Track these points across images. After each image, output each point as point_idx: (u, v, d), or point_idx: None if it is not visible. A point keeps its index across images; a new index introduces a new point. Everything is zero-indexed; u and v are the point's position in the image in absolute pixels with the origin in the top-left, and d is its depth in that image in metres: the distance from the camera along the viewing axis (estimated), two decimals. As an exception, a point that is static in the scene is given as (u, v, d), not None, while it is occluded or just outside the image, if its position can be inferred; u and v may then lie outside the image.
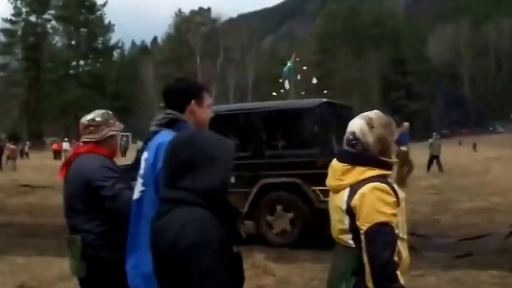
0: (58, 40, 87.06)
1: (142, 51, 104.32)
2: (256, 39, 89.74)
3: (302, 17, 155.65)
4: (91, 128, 3.75)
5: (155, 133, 2.92)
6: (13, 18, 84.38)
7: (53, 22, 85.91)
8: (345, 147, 2.82)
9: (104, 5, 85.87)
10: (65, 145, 48.93)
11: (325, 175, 2.87)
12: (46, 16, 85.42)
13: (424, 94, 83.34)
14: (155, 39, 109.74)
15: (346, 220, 2.65)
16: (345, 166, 2.73)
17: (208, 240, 1.89)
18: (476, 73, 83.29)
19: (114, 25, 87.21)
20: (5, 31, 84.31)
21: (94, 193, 3.56)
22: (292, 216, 8.97)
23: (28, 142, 54.19)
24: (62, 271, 6.68)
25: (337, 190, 2.76)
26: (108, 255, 3.52)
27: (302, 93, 40.28)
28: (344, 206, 2.66)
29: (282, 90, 33.95)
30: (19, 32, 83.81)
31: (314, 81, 40.73)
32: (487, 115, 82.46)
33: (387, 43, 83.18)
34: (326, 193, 7.98)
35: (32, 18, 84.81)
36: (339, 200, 2.71)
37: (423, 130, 63.05)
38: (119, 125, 3.93)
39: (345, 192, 2.68)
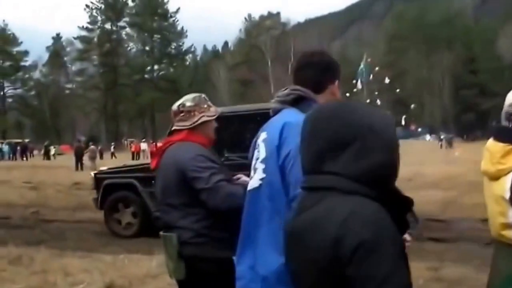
0: (132, 46, 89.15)
1: (214, 55, 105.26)
2: (325, 42, 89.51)
3: (369, 19, 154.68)
4: (182, 114, 3.43)
5: (276, 111, 2.45)
6: (89, 26, 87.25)
7: (128, 29, 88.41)
8: (503, 122, 2.41)
9: (176, 12, 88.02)
10: (143, 145, 49.86)
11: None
12: (120, 23, 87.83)
13: (498, 92, 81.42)
14: (226, 44, 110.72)
15: None
16: (507, 147, 2.32)
17: (383, 236, 1.44)
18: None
19: (186, 31, 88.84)
20: (81, 38, 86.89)
21: (188, 185, 3.19)
22: None
23: (112, 143, 55.43)
24: (151, 269, 6.69)
25: (496, 177, 2.33)
26: (209, 254, 3.14)
27: (376, 92, 39.77)
28: (508, 195, 2.24)
29: (354, 90, 33.71)
30: (95, 39, 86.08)
31: (387, 81, 40.13)
32: None
33: (457, 42, 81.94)
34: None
35: (107, 26, 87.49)
36: (500, 188, 2.28)
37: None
38: (215, 110, 3.55)
39: (508, 178, 2.26)
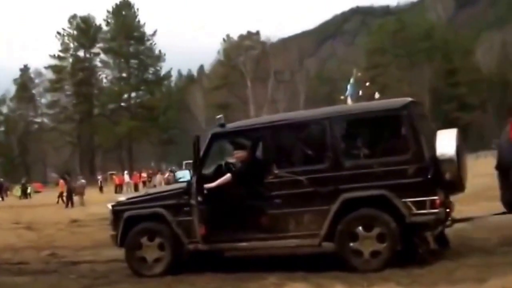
0: (108, 73, 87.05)
1: (189, 80, 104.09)
2: (300, 60, 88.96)
3: (341, 37, 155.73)
4: None
5: None
6: (61, 54, 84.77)
7: (102, 56, 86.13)
8: None
9: (153, 34, 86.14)
10: (126, 177, 48.31)
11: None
12: (94, 50, 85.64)
13: (476, 105, 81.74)
14: (201, 67, 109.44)
15: None
16: None
17: None
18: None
19: (165, 54, 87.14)
20: (53, 68, 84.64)
21: None
22: (380, 234, 7.98)
23: (99, 177, 53.57)
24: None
25: None
26: None
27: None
28: None
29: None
30: (68, 68, 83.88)
31: (377, 96, 38.94)
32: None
33: (437, 55, 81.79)
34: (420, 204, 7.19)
35: (81, 53, 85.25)
36: None
37: (476, 141, 62.22)
38: None
39: None
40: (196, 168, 8.86)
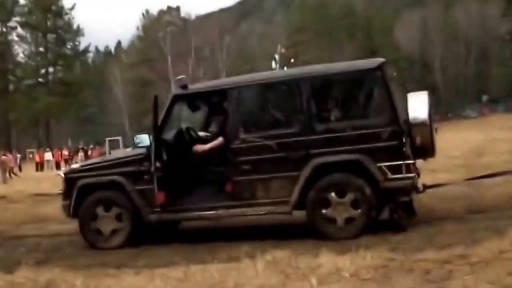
0: (25, 48, 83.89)
1: (107, 56, 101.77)
2: (220, 37, 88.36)
3: (261, 14, 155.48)
4: None
5: None
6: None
7: (19, 30, 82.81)
8: None
9: (72, 8, 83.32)
10: (47, 155, 46.89)
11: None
12: (11, 24, 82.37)
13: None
14: (119, 43, 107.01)
15: None
16: None
17: None
18: (447, 59, 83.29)
19: (83, 29, 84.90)
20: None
21: None
22: (354, 201, 7.71)
23: (19, 155, 51.41)
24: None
25: None
26: None
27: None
28: None
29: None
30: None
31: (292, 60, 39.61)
32: (459, 100, 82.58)
33: (359, 33, 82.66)
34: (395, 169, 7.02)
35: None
36: None
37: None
38: None
39: None
40: (156, 132, 8.28)
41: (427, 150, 8.17)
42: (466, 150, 19.25)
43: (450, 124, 51.55)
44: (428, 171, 9.32)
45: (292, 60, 46.19)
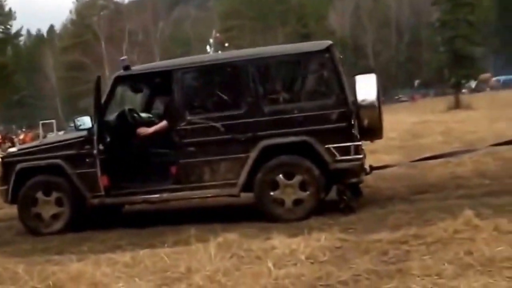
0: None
1: (39, 40, 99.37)
2: (154, 22, 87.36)
3: (193, 0, 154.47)
4: None
5: None
6: None
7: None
8: None
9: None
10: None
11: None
12: None
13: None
14: (51, 27, 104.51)
15: None
16: None
17: None
18: (379, 45, 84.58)
19: (15, 12, 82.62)
20: None
21: None
22: (302, 182, 7.63)
23: None
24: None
25: None
26: None
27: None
28: None
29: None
30: None
31: (227, 44, 39.99)
32: (391, 84, 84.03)
33: (292, 19, 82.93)
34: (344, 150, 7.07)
35: None
36: None
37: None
38: None
39: None
40: (98, 114, 7.99)
41: (374, 132, 8.15)
42: (402, 132, 19.47)
43: (384, 107, 52.04)
44: (368, 152, 9.33)
45: (227, 45, 46.19)
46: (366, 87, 7.95)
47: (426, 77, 79.85)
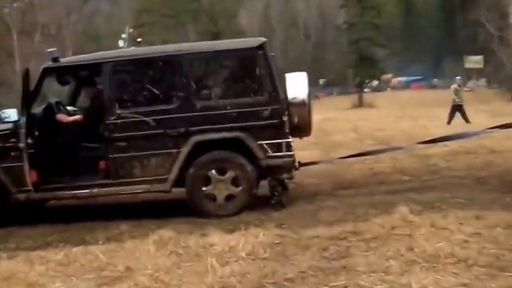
0: None
1: None
2: (67, 15, 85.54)
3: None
4: None
5: None
6: None
7: None
8: None
9: None
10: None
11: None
12: None
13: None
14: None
15: None
16: None
17: None
18: (287, 45, 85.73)
19: None
20: None
21: None
22: (235, 178, 7.64)
23: None
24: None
25: None
26: None
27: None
28: None
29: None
30: None
31: (139, 40, 39.69)
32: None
33: (203, 17, 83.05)
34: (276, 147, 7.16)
35: None
36: None
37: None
38: None
39: None
40: (26, 106, 7.71)
41: (304, 129, 8.23)
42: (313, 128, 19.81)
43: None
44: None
45: (139, 40, 45.57)
46: (297, 85, 8.02)
47: (331, 77, 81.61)
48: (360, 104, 45.68)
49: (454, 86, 23.10)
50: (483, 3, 46.74)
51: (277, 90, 7.68)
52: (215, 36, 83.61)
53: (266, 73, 7.70)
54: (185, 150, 7.57)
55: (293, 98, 7.88)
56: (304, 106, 7.96)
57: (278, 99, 7.65)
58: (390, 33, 72.22)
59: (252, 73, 7.83)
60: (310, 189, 9.18)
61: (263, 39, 8.02)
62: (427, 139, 10.51)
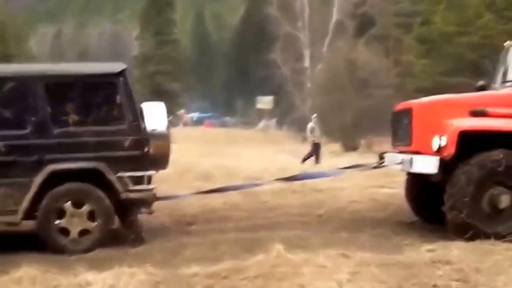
0: None
1: None
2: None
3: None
4: None
5: None
6: None
7: None
8: None
9: None
10: None
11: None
12: None
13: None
14: None
15: None
16: None
17: None
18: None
19: None
20: None
21: None
22: (91, 212, 7.24)
23: None
24: None
25: None
26: None
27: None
28: None
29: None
30: None
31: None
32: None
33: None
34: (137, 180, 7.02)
35: None
36: None
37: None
38: None
39: None
40: None
41: (161, 162, 7.97)
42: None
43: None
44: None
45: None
46: (155, 116, 7.78)
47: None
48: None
49: (310, 124, 23.44)
50: (277, 45, 48.61)
51: (138, 119, 7.38)
52: (7, 59, 79.74)
53: (126, 101, 7.36)
54: (38, 179, 7.00)
55: (153, 130, 7.60)
56: (164, 138, 7.73)
57: (139, 129, 7.36)
58: (185, 66, 72.77)
59: (112, 100, 7.46)
60: (154, 223, 8.82)
61: (124, 65, 7.64)
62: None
